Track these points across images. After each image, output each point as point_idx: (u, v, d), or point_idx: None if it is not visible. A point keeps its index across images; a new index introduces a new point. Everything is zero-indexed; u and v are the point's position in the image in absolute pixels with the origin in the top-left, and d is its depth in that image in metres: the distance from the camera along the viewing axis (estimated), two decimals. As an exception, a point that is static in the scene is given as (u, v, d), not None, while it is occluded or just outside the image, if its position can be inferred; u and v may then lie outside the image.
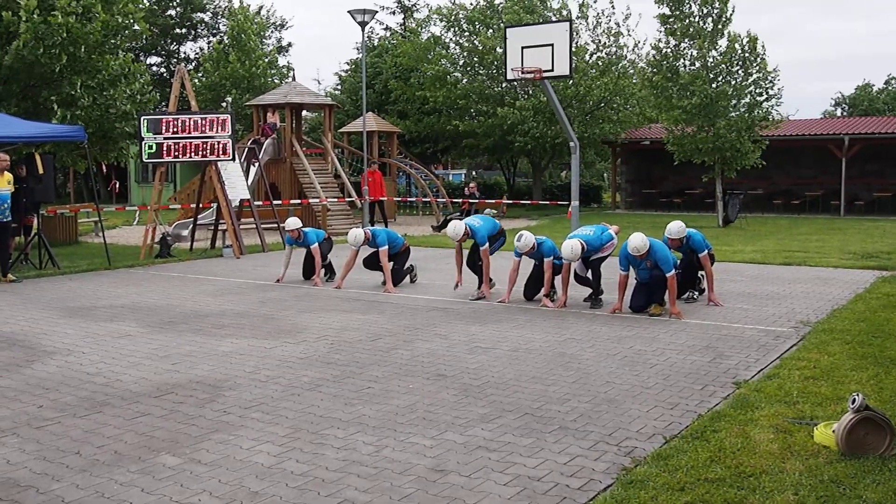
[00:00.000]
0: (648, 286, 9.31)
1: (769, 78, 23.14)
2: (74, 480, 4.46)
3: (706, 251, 9.87)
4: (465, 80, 31.42)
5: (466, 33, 31.24)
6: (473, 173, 47.35)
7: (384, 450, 4.88)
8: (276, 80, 34.78)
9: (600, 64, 30.08)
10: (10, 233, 12.73)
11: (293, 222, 11.99)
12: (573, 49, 19.35)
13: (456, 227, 10.44)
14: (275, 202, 20.24)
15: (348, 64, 41.26)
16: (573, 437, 5.08)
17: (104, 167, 24.93)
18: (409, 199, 31.62)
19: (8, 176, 12.21)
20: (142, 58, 41.67)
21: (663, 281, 9.07)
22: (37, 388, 6.35)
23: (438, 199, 26.70)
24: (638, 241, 8.95)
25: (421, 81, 32.14)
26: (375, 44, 40.01)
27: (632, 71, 30.67)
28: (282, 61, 41.91)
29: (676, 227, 9.75)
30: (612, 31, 30.35)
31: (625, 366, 6.88)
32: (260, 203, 19.73)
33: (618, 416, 5.51)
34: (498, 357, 7.23)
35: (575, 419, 5.44)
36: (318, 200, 21.80)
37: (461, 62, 32.19)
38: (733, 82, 23.25)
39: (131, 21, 17.25)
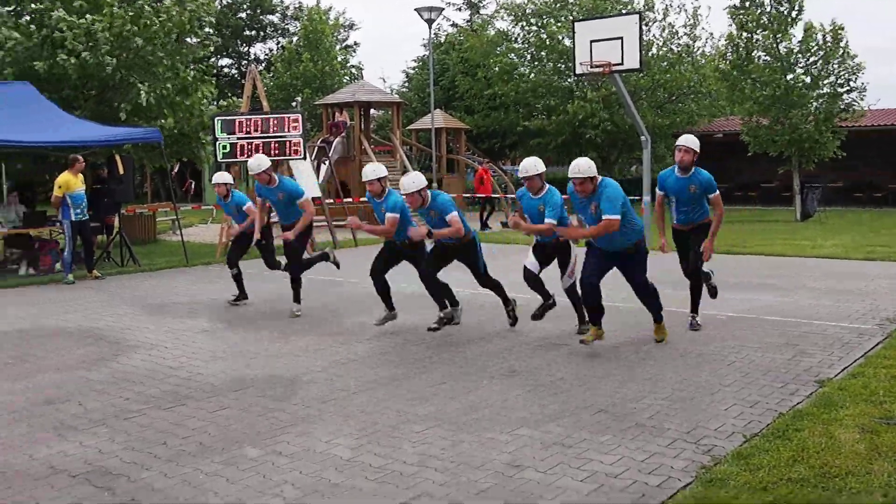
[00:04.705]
0: (601, 258, 7.14)
1: (853, 70, 22.43)
2: (162, 470, 4.61)
3: (717, 192, 7.88)
4: (532, 75, 31.25)
5: (535, 27, 31.08)
6: (542, 169, 47.03)
7: (460, 445, 4.91)
8: (345, 80, 35.21)
9: (671, 56, 29.60)
10: (91, 230, 13.19)
11: (223, 176, 10.35)
12: (643, 41, 19.09)
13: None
14: (345, 200, 20.49)
15: (415, 61, 41.51)
16: (650, 435, 5.03)
17: (176, 168, 25.64)
18: (477, 196, 31.64)
19: (81, 177, 12.67)
20: (213, 59, 42.59)
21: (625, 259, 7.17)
22: (123, 381, 6.58)
23: (507, 195, 26.63)
24: (580, 161, 6.93)
25: (488, 77, 32.11)
26: (442, 40, 40.14)
27: (703, 62, 30.09)
28: (351, 61, 42.43)
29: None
30: (686, 23, 29.86)
31: (701, 363, 6.77)
32: (331, 201, 20.01)
33: (695, 413, 5.43)
34: (569, 354, 7.20)
35: (651, 416, 5.39)
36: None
37: (528, 56, 32.05)
38: (813, 72, 22.62)
39: (200, 18, 17.56)
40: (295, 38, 39.84)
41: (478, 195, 24.12)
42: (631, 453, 4.72)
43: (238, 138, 15.53)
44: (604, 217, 6.83)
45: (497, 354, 7.21)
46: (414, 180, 7.56)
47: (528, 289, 8.00)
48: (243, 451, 4.87)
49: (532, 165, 7.51)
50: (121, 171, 14.74)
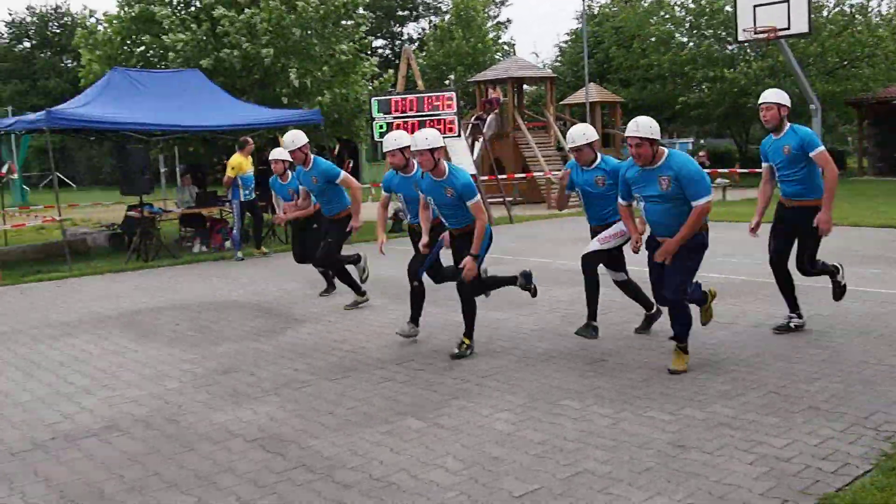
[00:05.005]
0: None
1: None
2: (330, 438, 4.80)
3: (821, 147, 6.48)
4: (690, 44, 30.12)
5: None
6: (702, 141, 45.40)
7: (622, 423, 4.83)
8: (497, 57, 35.22)
9: (842, 18, 27.72)
10: (259, 209, 13.89)
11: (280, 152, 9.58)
12: (811, 4, 17.93)
13: None
14: (500, 176, 20.53)
15: (568, 34, 41.00)
16: (824, 419, 4.76)
17: (337, 149, 26.60)
18: (632, 170, 30.98)
19: (251, 159, 13.32)
20: (366, 40, 43.74)
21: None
22: (291, 353, 6.90)
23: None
24: (640, 119, 5.74)
25: (644, 48, 31.22)
26: (596, 12, 39.36)
27: (880, 22, 28.00)
28: (503, 38, 42.41)
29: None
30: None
31: (882, 344, 6.34)
32: (485, 178, 20.10)
33: (875, 397, 5.10)
34: (737, 333, 6.91)
35: (826, 399, 5.10)
36: (541, 174, 21.86)
37: (686, 25, 30.89)
38: None
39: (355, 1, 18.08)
40: (447, 17, 40.20)
41: None
42: (803, 437, 4.50)
43: (394, 118, 15.86)
44: (694, 204, 5.57)
45: (658, 332, 7.04)
46: (428, 136, 6.38)
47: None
48: (406, 423, 4.99)
49: (580, 133, 6.43)
50: (285, 152, 15.38)
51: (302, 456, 4.55)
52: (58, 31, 51.87)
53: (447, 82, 35.07)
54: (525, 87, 29.32)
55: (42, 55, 50.86)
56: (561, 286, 9.43)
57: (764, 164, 6.76)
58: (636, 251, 6.12)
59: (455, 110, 15.87)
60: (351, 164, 34.41)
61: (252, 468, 4.41)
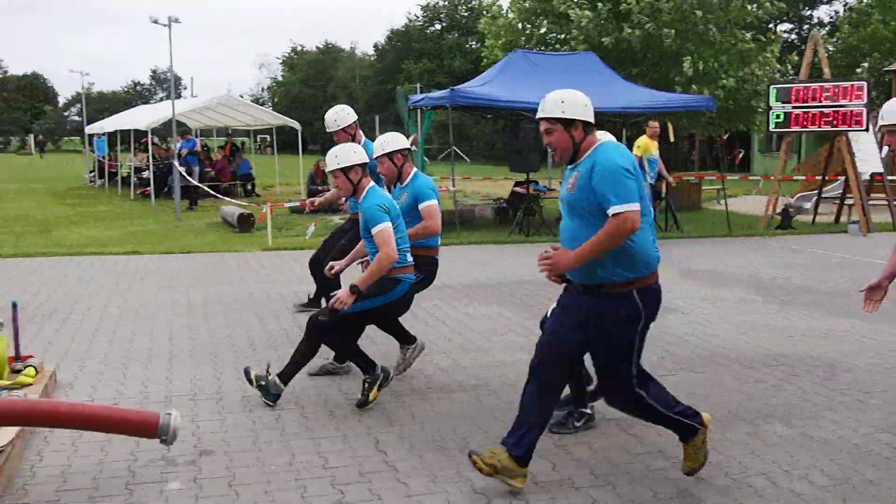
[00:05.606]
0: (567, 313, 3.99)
1: None
2: (688, 430, 4.71)
3: None
4: None
5: None
6: None
7: None
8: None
9: None
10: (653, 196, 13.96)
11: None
12: None
13: None
14: (911, 177, 18.27)
15: None
16: None
17: (725, 136, 25.66)
18: None
19: (656, 143, 13.39)
20: (771, 26, 41.28)
21: None
22: (656, 340, 6.83)
23: None
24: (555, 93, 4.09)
25: None
26: None
27: None
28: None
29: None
30: None
31: None
32: (893, 178, 18.03)
33: None
34: None
35: None
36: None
37: None
38: None
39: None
40: (866, -1, 36.51)
41: None
42: None
43: (793, 107, 14.86)
44: (609, 212, 3.62)
45: None
46: (337, 153, 5.13)
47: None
48: (772, 427, 4.74)
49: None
50: (671, 138, 15.21)
51: (658, 442, 4.54)
52: (465, 14, 56.38)
53: (859, 70, 31.92)
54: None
55: (450, 36, 55.65)
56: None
57: None
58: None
59: (864, 101, 14.42)
60: (741, 154, 32.98)
61: (608, 446, 4.50)
